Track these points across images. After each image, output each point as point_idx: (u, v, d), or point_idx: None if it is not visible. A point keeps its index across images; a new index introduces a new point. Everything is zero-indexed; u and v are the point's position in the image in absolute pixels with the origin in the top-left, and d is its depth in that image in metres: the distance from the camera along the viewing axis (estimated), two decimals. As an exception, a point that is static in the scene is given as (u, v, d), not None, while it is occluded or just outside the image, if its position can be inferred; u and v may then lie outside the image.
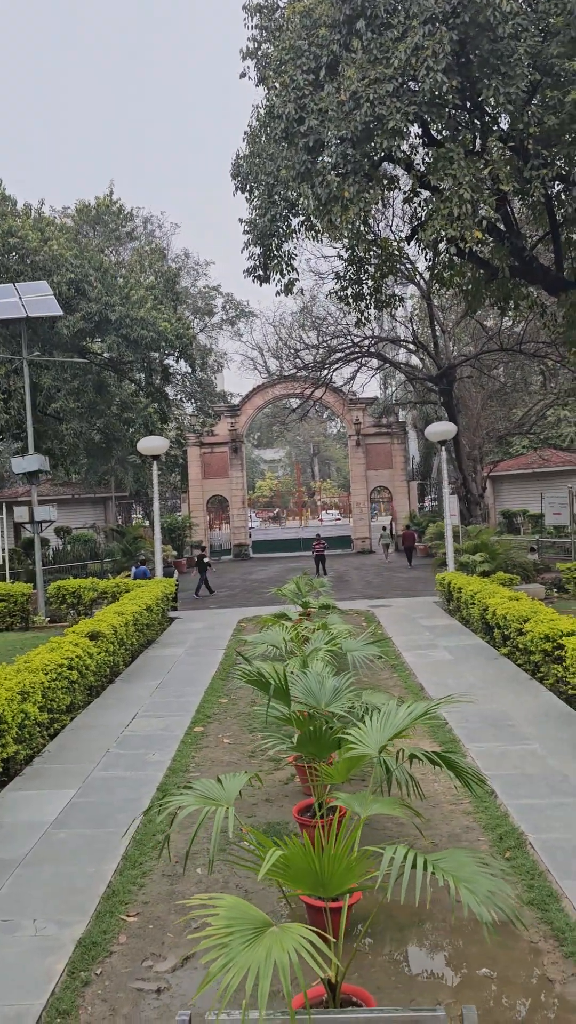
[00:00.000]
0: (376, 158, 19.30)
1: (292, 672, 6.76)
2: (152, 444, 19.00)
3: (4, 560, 21.87)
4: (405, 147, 21.34)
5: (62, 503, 44.69)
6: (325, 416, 55.30)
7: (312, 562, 33.58)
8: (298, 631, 10.59)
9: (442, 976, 4.77)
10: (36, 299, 21.38)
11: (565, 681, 9.74)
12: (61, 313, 21.60)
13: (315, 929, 3.32)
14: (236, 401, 44.38)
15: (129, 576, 22.53)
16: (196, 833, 4.91)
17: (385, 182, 22.21)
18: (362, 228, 20.61)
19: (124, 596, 15.85)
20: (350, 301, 24.91)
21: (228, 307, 48.02)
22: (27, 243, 25.23)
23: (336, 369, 36.69)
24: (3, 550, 21.79)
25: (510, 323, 33.74)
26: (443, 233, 17.32)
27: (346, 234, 18.42)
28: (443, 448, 19.73)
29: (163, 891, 5.92)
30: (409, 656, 12.96)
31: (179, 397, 49.87)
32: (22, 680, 8.63)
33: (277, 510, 70.78)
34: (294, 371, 36.46)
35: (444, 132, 20.56)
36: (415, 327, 36.80)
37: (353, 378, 40.78)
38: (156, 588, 16.95)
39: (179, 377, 48.13)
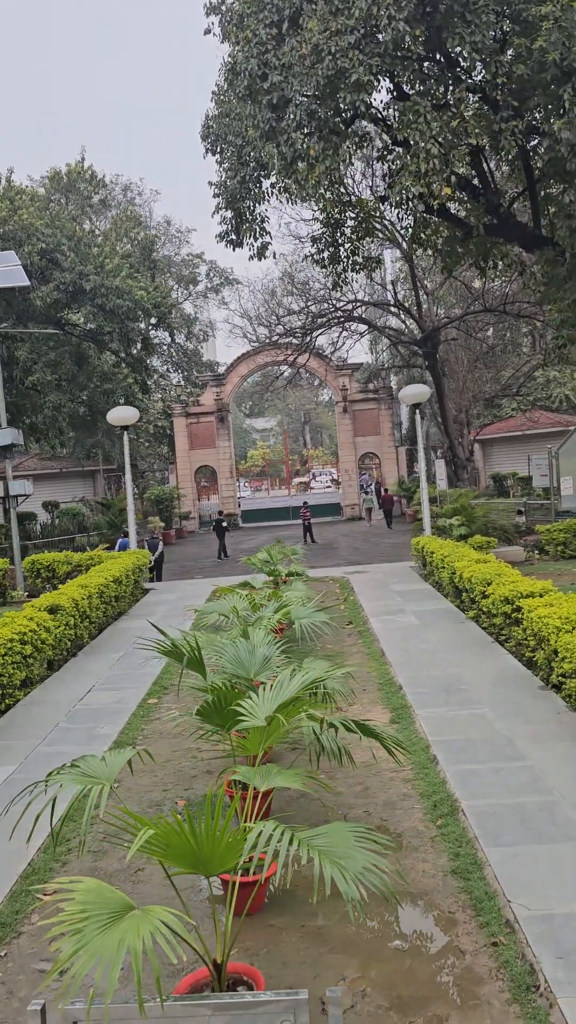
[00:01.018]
0: (347, 115, 18.80)
1: (222, 642, 6.60)
2: (121, 414, 18.74)
3: (-19, 536, 21.70)
4: (377, 103, 20.86)
5: (50, 477, 44.49)
6: (316, 383, 54.89)
7: (299, 531, 33.55)
8: (253, 599, 10.42)
9: (352, 950, 4.64)
10: (2, 270, 20.96)
11: (524, 643, 9.60)
12: (27, 283, 21.22)
13: (175, 912, 3.17)
14: (222, 370, 43.95)
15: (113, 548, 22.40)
16: (67, 812, 4.74)
17: (357, 139, 21.70)
18: (332, 188, 20.15)
19: (93, 569, 15.69)
20: (326, 264, 24.47)
21: (212, 275, 47.35)
22: (-5, 213, 24.73)
23: (320, 335, 36.26)
24: (-20, 526, 21.61)
25: (496, 284, 33.27)
26: (411, 190, 16.93)
27: (312, 194, 17.91)
28: (418, 411, 19.45)
29: (86, 867, 5.81)
30: (376, 622, 12.82)
31: (166, 368, 49.43)
32: (-35, 656, 8.47)
33: (268, 479, 70.62)
34: (276, 338, 36.00)
35: (417, 86, 20.05)
36: (398, 290, 36.28)
37: (339, 344, 40.34)
38: (128, 560, 16.79)
39: (164, 347, 47.67)
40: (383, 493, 37.70)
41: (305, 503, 34.53)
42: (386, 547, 28.01)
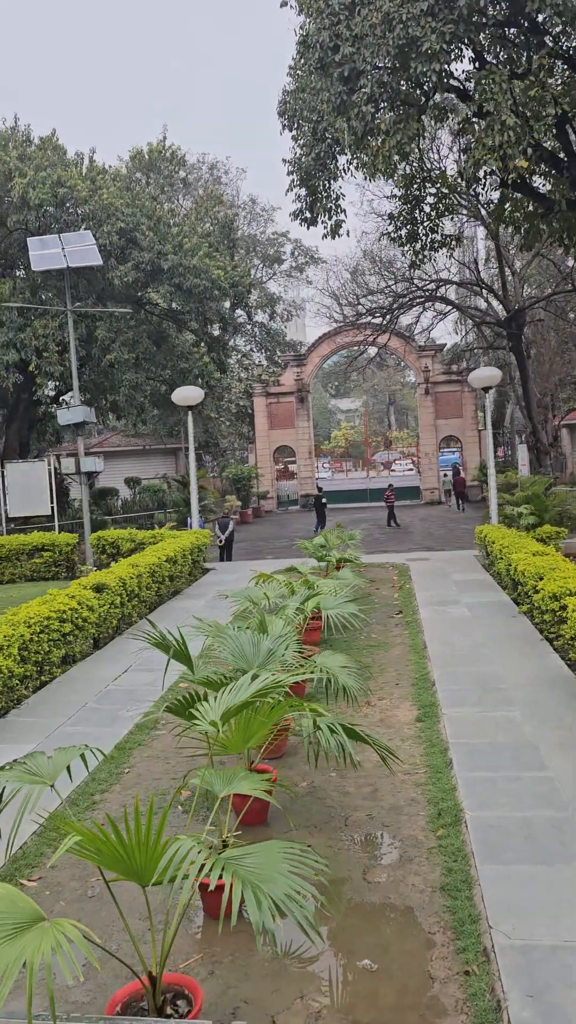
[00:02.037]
0: (427, 87, 18.14)
1: (227, 633, 6.44)
2: (186, 394, 18.74)
3: (53, 511, 22.21)
4: (459, 72, 20.07)
5: (134, 454, 45.33)
6: (402, 365, 53.99)
7: (380, 512, 33.45)
8: (291, 586, 10.23)
9: (319, 967, 4.43)
10: (78, 249, 21.25)
11: (571, 644, 9.10)
12: (100, 263, 21.41)
13: (78, 926, 3.03)
14: (304, 350, 43.66)
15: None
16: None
17: (437, 112, 20.97)
18: (406, 162, 19.55)
19: (149, 547, 15.80)
20: (404, 243, 23.85)
21: (297, 254, 46.97)
22: (76, 193, 25.05)
23: (402, 315, 35.55)
24: (52, 500, 22.11)
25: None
26: (484, 163, 16.22)
27: (383, 168, 17.36)
28: (487, 394, 18.75)
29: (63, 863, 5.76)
30: (425, 612, 12.44)
31: (249, 347, 49.52)
32: (-4, 634, 8.60)
33: (350, 460, 70.06)
34: (355, 317, 35.45)
35: (500, 54, 19.17)
36: (483, 269, 35.13)
37: (419, 324, 39.50)
38: (186, 539, 16.84)
39: (248, 327, 47.71)
40: (457, 476, 37.00)
41: (390, 486, 34.28)
42: (462, 533, 27.31)
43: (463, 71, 19.95)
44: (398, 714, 8.20)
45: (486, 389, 18.42)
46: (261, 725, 4.77)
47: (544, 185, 22.76)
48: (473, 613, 12.24)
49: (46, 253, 21.00)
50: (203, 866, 3.12)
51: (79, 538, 20.98)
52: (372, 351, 41.45)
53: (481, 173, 19.00)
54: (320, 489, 34.96)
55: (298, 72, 20.86)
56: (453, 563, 17.17)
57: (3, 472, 23.01)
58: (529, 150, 16.13)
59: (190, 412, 19.34)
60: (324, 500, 31.78)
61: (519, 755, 6.76)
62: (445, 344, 42.98)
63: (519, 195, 21.57)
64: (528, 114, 16.29)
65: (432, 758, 6.96)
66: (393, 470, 64.63)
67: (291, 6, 20.22)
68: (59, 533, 20.67)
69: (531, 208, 21.68)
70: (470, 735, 7.30)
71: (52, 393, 31.50)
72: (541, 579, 10.61)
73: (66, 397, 28.39)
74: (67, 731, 8.11)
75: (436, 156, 32.81)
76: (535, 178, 22.67)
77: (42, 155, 25.57)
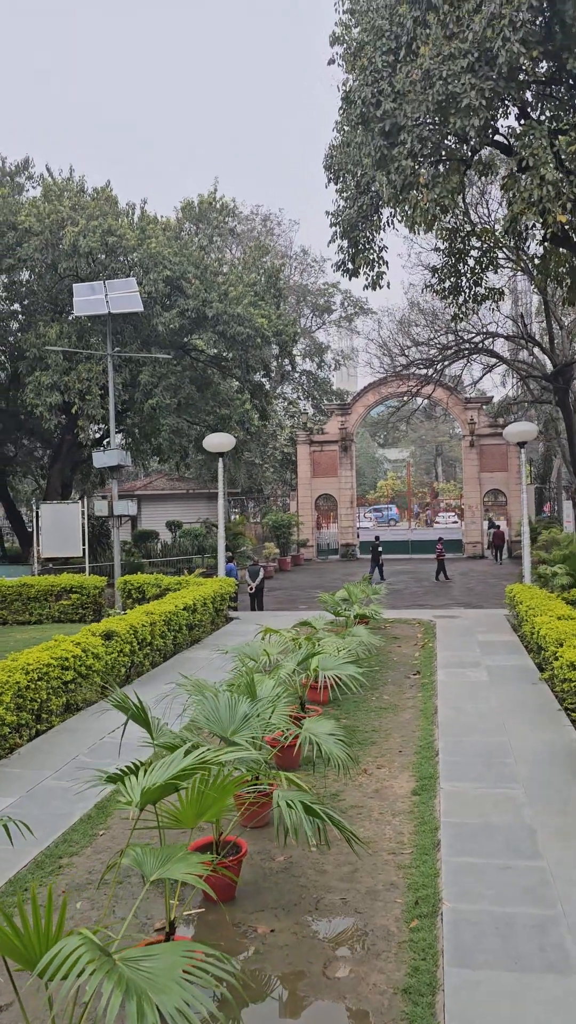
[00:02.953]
0: (474, 142, 18.19)
1: (205, 695, 6.15)
2: (217, 441, 18.71)
3: (85, 552, 22.26)
4: (504, 128, 20.09)
5: (177, 498, 45.59)
6: (443, 415, 53.64)
7: (422, 564, 33.25)
8: (299, 641, 9.91)
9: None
10: (121, 295, 21.58)
11: (585, 718, 8.58)
12: (141, 309, 21.69)
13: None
14: (349, 399, 43.69)
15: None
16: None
17: (482, 166, 20.99)
18: (447, 216, 19.51)
19: (169, 594, 15.62)
20: (447, 295, 23.78)
21: (346, 304, 47.32)
22: (125, 241, 25.59)
23: (447, 366, 35.36)
24: (85, 542, 22.17)
25: None
26: (523, 217, 16.07)
27: (421, 221, 17.33)
28: (522, 450, 18.30)
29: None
30: (443, 674, 11.96)
31: (296, 395, 49.81)
32: (-12, 680, 8.44)
33: (397, 510, 69.64)
34: (399, 369, 35.37)
35: (545, 111, 19.17)
36: (531, 323, 34.85)
37: (470, 375, 39.23)
38: (208, 587, 16.64)
39: (296, 375, 48.03)
40: (496, 529, 36.73)
41: (440, 539, 33.94)
42: (501, 590, 26.60)
43: (507, 127, 19.98)
44: (395, 785, 7.76)
45: (521, 444, 17.99)
46: (213, 800, 4.46)
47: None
48: (492, 677, 11.72)
49: (89, 299, 21.38)
50: (70, 974, 2.81)
51: (107, 581, 20.95)
52: (418, 402, 41.29)
53: (523, 227, 18.84)
54: (377, 537, 35.20)
55: (345, 127, 21.12)
56: (482, 622, 16.62)
57: (38, 513, 23.23)
58: (569, 204, 15.92)
59: (221, 458, 19.30)
60: (380, 548, 32.09)
61: (513, 840, 6.28)
62: (492, 397, 42.58)
63: (563, 249, 21.37)
64: (572, 168, 16.15)
65: (421, 837, 6.52)
66: (437, 522, 63.90)
67: (338, 64, 20.57)
68: (89, 575, 20.67)
69: (575, 263, 21.44)
70: (465, 813, 6.84)
71: (97, 435, 31.96)
72: (561, 645, 10.11)
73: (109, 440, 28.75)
74: (49, 785, 7.86)
75: (486, 210, 32.89)
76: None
77: (95, 205, 26.26)
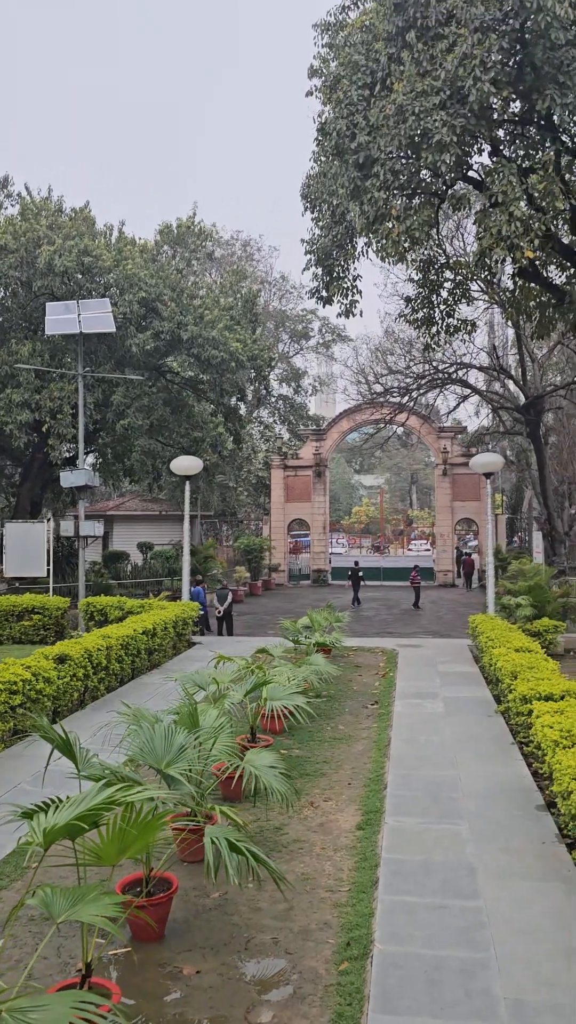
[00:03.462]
0: (448, 177, 18.45)
1: (141, 725, 6.04)
2: (185, 464, 18.66)
3: (49, 572, 22.01)
4: (477, 165, 20.41)
5: (149, 519, 45.35)
6: (417, 442, 53.97)
7: (393, 592, 33.54)
8: (251, 669, 9.80)
9: None
10: (94, 316, 21.57)
11: (533, 753, 8.54)
12: (113, 330, 21.70)
13: None
14: (324, 425, 43.88)
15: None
16: None
17: (455, 201, 21.34)
18: (419, 247, 19.74)
19: (130, 618, 15.45)
20: (419, 325, 24.01)
21: (324, 331, 47.65)
22: (101, 262, 25.62)
23: (420, 395, 35.64)
24: (50, 562, 21.93)
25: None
26: (491, 252, 16.29)
27: (392, 252, 17.50)
28: (489, 481, 18.38)
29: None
30: (400, 705, 11.88)
31: (272, 419, 49.95)
32: None
33: (370, 536, 69.84)
34: (373, 396, 35.61)
35: (517, 149, 19.51)
36: (504, 354, 35.26)
37: (445, 405, 39.57)
38: (171, 611, 16.48)
39: (272, 399, 48.18)
40: (467, 557, 37.09)
41: (416, 567, 34.00)
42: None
43: (479, 163, 20.29)
44: (340, 819, 7.65)
45: (488, 475, 18.08)
46: (135, 838, 4.35)
47: (560, 276, 22.92)
48: (448, 709, 11.66)
49: (62, 318, 21.35)
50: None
51: (71, 602, 20.72)
52: (392, 429, 41.56)
53: (493, 261, 19.09)
54: (356, 563, 36.07)
55: (321, 158, 21.38)
56: (445, 652, 16.60)
57: (2, 532, 22.97)
58: (536, 240, 16.17)
59: (188, 482, 19.23)
60: (361, 574, 33.17)
61: (452, 879, 6.20)
62: (465, 426, 42.92)
63: (533, 284, 21.69)
64: (544, 205, 16.41)
65: (360, 874, 6.41)
66: (410, 549, 64.12)
67: (316, 96, 20.85)
68: (52, 596, 20.43)
69: (544, 298, 21.76)
70: (407, 850, 6.75)
71: (68, 455, 31.78)
72: (516, 677, 10.09)
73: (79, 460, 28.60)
74: (-12, 814, 7.66)
75: (462, 243, 33.35)
76: (551, 268, 22.87)
77: (72, 225, 26.31)
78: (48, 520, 22.36)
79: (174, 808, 5.98)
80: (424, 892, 5.99)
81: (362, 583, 33.74)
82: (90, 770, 5.31)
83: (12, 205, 28.98)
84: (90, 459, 32.96)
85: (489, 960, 5.05)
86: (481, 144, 18.51)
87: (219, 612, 22.59)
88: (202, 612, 21.56)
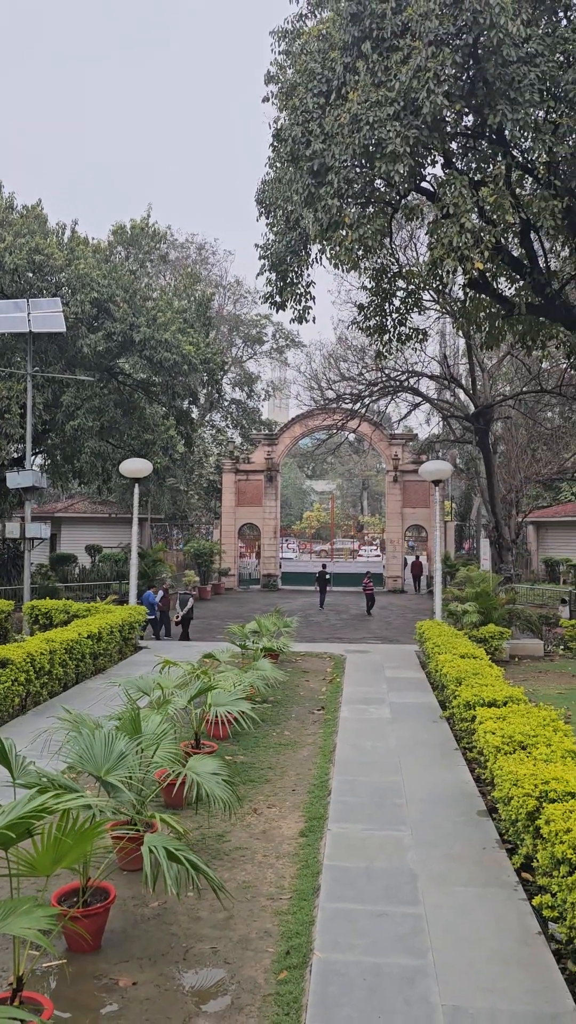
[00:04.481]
0: (402, 187, 18.59)
1: (81, 731, 5.93)
2: (133, 467, 18.50)
3: (-6, 575, 21.60)
4: (430, 176, 20.65)
5: (98, 521, 44.85)
6: (368, 449, 54.44)
7: (343, 597, 33.82)
8: (198, 674, 9.72)
9: None
10: (44, 315, 21.23)
11: (477, 759, 8.62)
12: (63, 329, 21.38)
13: None
14: (277, 430, 43.90)
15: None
16: None
17: (408, 211, 21.55)
18: (372, 256, 19.88)
19: (75, 621, 15.23)
20: (372, 333, 24.17)
21: (278, 336, 47.71)
22: (52, 261, 25.27)
23: (372, 402, 35.86)
24: (-5, 565, 21.53)
25: (562, 364, 32.41)
26: (442, 262, 16.47)
27: (345, 260, 17.60)
28: (437, 488, 18.59)
29: None
30: (346, 711, 11.91)
31: (225, 423, 49.82)
32: None
33: (323, 543, 70.12)
34: (325, 402, 35.76)
35: (469, 162, 19.77)
36: (455, 363, 35.71)
37: (397, 411, 39.90)
38: (117, 615, 16.29)
39: (225, 403, 48.05)
40: (415, 560, 37.81)
41: (368, 573, 34.09)
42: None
43: (432, 175, 20.54)
44: (283, 826, 7.62)
45: (437, 482, 18.28)
46: (70, 848, 4.26)
47: (509, 288, 23.30)
48: (395, 714, 11.72)
49: (11, 316, 20.96)
50: None
51: (16, 606, 20.35)
52: (344, 435, 41.77)
53: (444, 271, 19.31)
54: (324, 566, 36.83)
55: (276, 164, 21.39)
56: (392, 658, 16.69)
57: (-54, 532, 22.49)
58: (486, 252, 16.39)
59: (136, 484, 19.07)
60: (328, 577, 33.76)
61: (393, 886, 6.21)
62: (416, 434, 43.36)
63: (483, 295, 22.00)
64: (495, 218, 16.65)
65: (302, 882, 6.39)
66: (360, 555, 64.54)
67: (272, 102, 20.88)
68: (-3, 599, 20.02)
69: (494, 309, 22.09)
70: (348, 857, 6.75)
71: (16, 455, 31.23)
72: (460, 683, 10.19)
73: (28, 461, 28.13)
74: None
75: (415, 253, 33.67)
76: (501, 280, 23.23)
77: (23, 222, 25.89)
78: (-6, 522, 21.92)
79: (113, 816, 5.87)
80: (366, 899, 5.99)
81: (329, 587, 34.54)
82: (26, 778, 5.19)
83: (-39, 201, 28.39)
84: (38, 460, 32.45)
85: (427, 967, 5.07)
86: (434, 156, 18.73)
87: (178, 617, 22.40)
88: (151, 616, 21.37)
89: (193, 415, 34.02)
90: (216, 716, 8.35)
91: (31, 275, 25.58)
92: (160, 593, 22.92)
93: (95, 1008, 4.77)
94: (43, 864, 4.37)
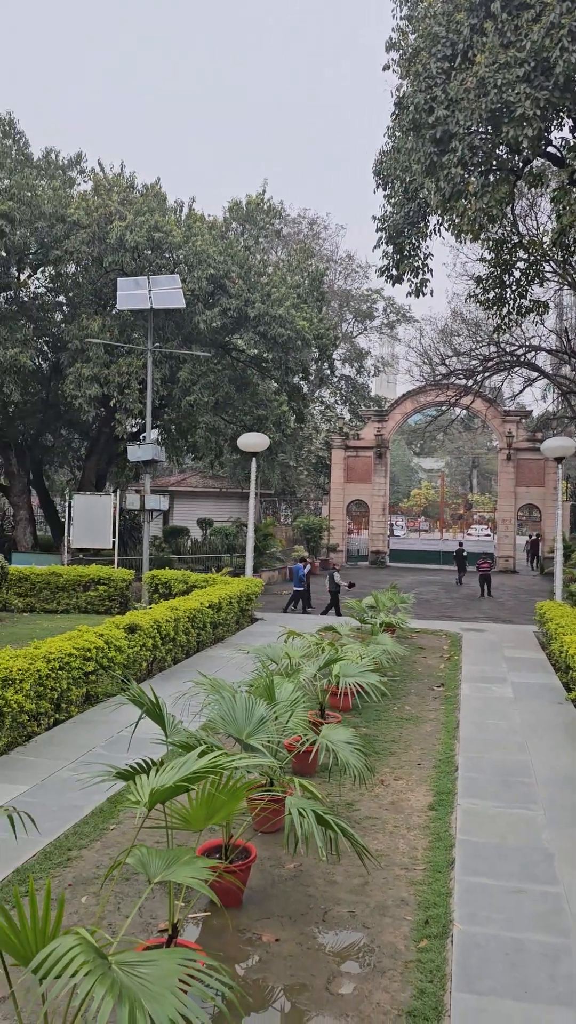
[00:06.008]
0: (526, 153, 17.97)
1: (222, 695, 6.09)
2: (251, 441, 18.73)
3: (115, 544, 22.36)
4: (557, 140, 19.88)
5: (210, 496, 45.67)
6: (480, 427, 53.25)
7: (452, 575, 33.74)
8: (321, 646, 9.82)
9: None
10: (164, 292, 21.69)
11: (610, 742, 8.38)
12: (183, 306, 21.78)
13: None
14: (387, 406, 43.50)
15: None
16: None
17: (532, 178, 20.80)
18: (493, 225, 19.30)
19: (195, 592, 15.62)
20: (490, 306, 23.59)
21: (389, 311, 47.11)
22: (171, 238, 25.71)
23: (487, 378, 35.01)
24: (115, 535, 22.27)
25: None
26: (572, 230, 15.86)
27: (468, 230, 17.16)
28: (559, 466, 18.02)
29: None
30: (467, 688, 11.79)
31: (334, 400, 49.72)
32: (10, 667, 8.47)
33: (428, 520, 69.22)
34: (438, 378, 35.12)
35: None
36: (573, 336, 34.37)
37: (511, 388, 38.83)
38: (235, 586, 16.62)
39: (334, 380, 47.91)
40: (532, 538, 36.93)
41: (486, 553, 33.81)
42: (532, 606, 26.29)
43: (560, 139, 19.73)
44: (411, 798, 7.64)
45: (559, 460, 17.72)
46: (223, 804, 4.40)
47: None
48: (517, 694, 11.53)
49: (133, 293, 21.52)
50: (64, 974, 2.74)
51: (135, 575, 21.03)
52: (456, 412, 41.01)
53: (571, 240, 18.60)
54: (461, 543, 37.01)
55: (396, 133, 21.03)
56: (509, 638, 16.39)
57: (70, 503, 23.41)
58: (620, 220, 15.67)
59: (254, 458, 19.28)
60: (465, 553, 34.51)
61: (529, 863, 6.14)
62: (531, 411, 42.09)
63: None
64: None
65: (435, 854, 6.40)
66: (470, 534, 63.48)
67: (393, 70, 20.48)
68: (117, 568, 20.76)
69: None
70: (481, 832, 6.71)
71: (133, 430, 32.15)
72: (589, 666, 9.91)
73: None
74: (63, 776, 7.86)
75: (535, 222, 32.50)
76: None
77: (143, 201, 26.43)
78: (115, 492, 22.68)
79: (257, 778, 6.03)
80: (501, 875, 5.95)
81: (467, 561, 34.74)
82: (176, 736, 5.37)
83: (85, 181, 29.26)
84: (155, 434, 33.26)
85: (571, 946, 5.00)
86: (563, 118, 18.01)
87: (347, 586, 23.15)
88: (298, 589, 22.17)
89: (304, 391, 34.06)
90: (344, 687, 8.42)
91: (149, 252, 26.14)
92: (307, 567, 23.43)
93: (241, 960, 4.93)
94: (197, 819, 4.53)
